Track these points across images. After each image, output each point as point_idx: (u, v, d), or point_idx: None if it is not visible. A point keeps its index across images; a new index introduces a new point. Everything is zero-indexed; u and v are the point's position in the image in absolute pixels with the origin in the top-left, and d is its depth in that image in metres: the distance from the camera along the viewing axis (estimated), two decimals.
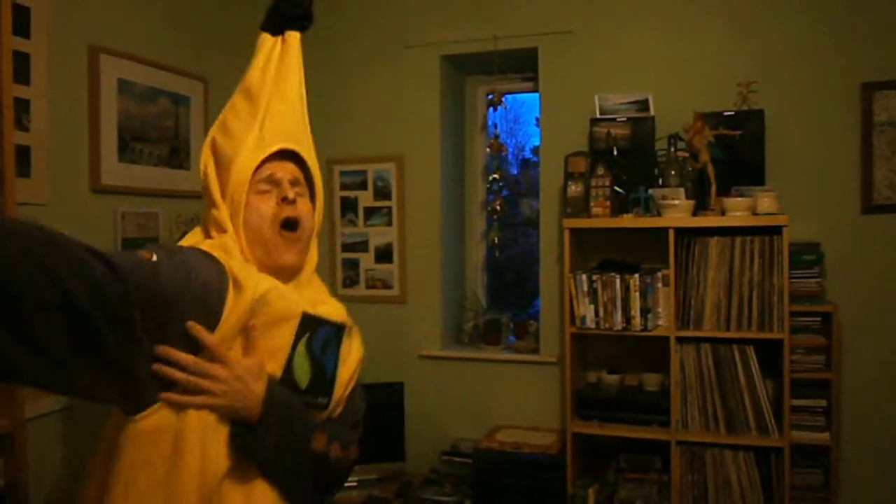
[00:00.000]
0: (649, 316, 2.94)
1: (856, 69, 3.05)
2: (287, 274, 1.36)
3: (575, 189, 3.01)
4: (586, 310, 2.99)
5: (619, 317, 2.95)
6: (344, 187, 3.79)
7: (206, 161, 1.41)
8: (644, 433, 3.00)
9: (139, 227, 2.79)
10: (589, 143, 3.19)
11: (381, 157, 3.72)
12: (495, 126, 3.69)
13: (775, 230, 2.80)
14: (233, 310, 1.20)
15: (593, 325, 3.00)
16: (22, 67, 2.26)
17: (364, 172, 3.75)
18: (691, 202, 2.91)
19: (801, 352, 2.91)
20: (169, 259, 1.18)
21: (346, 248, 3.79)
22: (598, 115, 3.19)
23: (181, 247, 1.32)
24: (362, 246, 3.75)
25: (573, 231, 3.04)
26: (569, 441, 3.07)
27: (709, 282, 2.89)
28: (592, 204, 2.98)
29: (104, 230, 2.63)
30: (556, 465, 3.11)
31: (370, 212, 3.75)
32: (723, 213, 2.85)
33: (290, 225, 1.34)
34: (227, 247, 1.30)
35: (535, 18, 3.46)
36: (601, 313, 2.98)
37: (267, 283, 1.27)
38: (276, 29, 1.46)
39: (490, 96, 3.79)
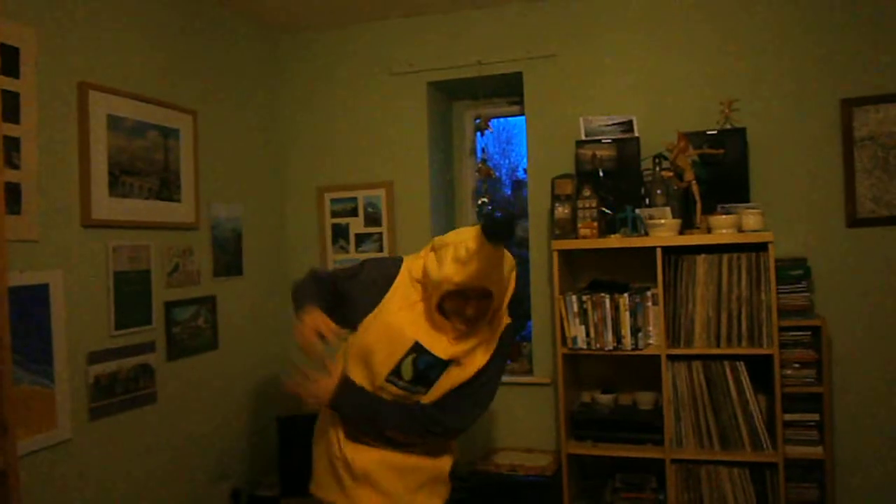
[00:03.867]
0: (640, 335, 2.96)
1: (835, 86, 3.10)
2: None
3: (562, 211, 3.04)
4: (577, 330, 3.01)
5: (609, 336, 2.97)
6: (335, 214, 3.82)
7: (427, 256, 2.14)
8: (638, 452, 3.00)
9: (131, 261, 2.80)
10: (575, 164, 3.22)
11: (370, 183, 3.76)
12: (483, 150, 3.73)
13: (761, 247, 2.83)
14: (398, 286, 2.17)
15: (585, 346, 3.01)
16: (12, 106, 2.28)
17: (354, 199, 3.78)
18: (678, 221, 2.94)
19: (792, 366, 2.93)
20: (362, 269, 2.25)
21: None
22: (583, 137, 3.23)
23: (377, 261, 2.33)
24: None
25: (562, 252, 3.07)
26: (564, 462, 3.07)
27: (697, 299, 2.92)
28: (580, 225, 3.01)
29: (97, 264, 2.64)
30: (553, 487, 3.11)
31: (361, 238, 3.78)
32: (709, 230, 2.88)
33: (463, 323, 2.12)
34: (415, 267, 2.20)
35: (519, 43, 3.52)
36: (592, 333, 3.00)
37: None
38: (488, 237, 1.88)
39: (477, 121, 3.84)
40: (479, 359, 2.13)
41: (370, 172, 3.77)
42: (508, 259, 2.06)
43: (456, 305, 2.05)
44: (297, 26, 3.82)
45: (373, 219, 3.75)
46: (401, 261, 2.23)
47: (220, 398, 3.31)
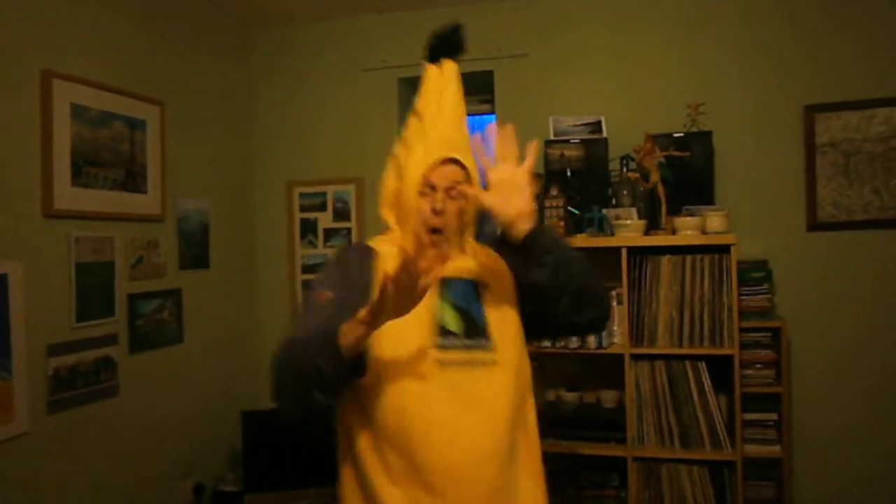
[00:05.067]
0: (604, 334, 2.99)
1: (799, 93, 3.16)
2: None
3: None
4: None
5: (574, 336, 2.99)
6: (303, 209, 3.81)
7: (387, 172, 1.72)
8: (601, 450, 3.03)
9: (94, 252, 2.76)
10: (544, 164, 3.25)
11: (340, 178, 3.75)
12: None
13: (724, 248, 2.88)
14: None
15: (549, 344, 3.03)
16: None
17: (324, 194, 3.77)
18: (643, 222, 2.97)
19: (752, 367, 2.99)
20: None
21: (306, 269, 3.79)
22: (552, 137, 3.25)
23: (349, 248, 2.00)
24: (322, 268, 3.75)
25: None
26: None
27: (661, 299, 2.95)
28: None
29: (58, 255, 2.60)
30: None
31: (330, 233, 3.77)
32: (674, 232, 2.92)
33: (436, 231, 1.60)
34: (383, 241, 1.68)
35: (491, 42, 3.53)
36: None
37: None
38: (434, 59, 1.75)
39: None
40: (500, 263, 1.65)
41: (340, 167, 3.76)
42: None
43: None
44: (271, 20, 3.80)
45: (342, 214, 3.74)
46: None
47: (184, 392, 3.28)
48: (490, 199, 1.50)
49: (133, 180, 2.97)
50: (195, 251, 3.38)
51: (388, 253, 1.60)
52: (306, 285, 3.79)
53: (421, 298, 1.32)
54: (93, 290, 2.76)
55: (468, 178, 1.62)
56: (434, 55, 1.74)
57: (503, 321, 1.59)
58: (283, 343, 1.45)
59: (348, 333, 1.31)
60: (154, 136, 3.09)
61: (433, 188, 1.59)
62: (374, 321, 1.30)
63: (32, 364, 2.48)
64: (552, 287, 1.50)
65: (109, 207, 2.84)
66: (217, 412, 3.51)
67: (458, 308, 1.56)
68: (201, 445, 3.40)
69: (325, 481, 3.39)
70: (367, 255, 1.62)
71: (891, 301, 3.09)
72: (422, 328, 1.50)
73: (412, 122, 1.72)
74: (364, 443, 1.51)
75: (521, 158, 1.52)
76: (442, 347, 1.50)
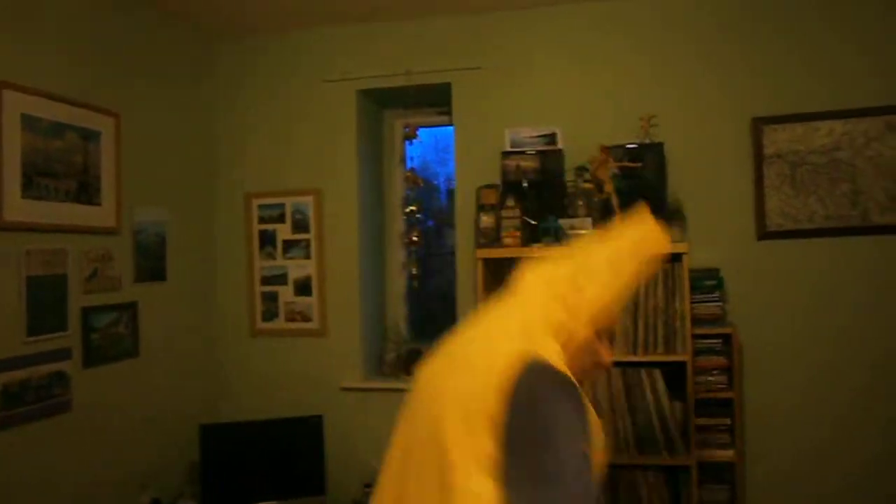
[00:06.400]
0: None
1: (747, 105, 3.26)
2: None
3: (487, 220, 3.10)
4: None
5: None
6: (262, 220, 3.79)
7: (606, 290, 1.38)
8: None
9: (46, 265, 2.72)
10: (501, 175, 3.29)
11: (299, 190, 3.74)
12: (411, 159, 3.76)
13: (677, 257, 2.94)
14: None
15: None
16: None
17: (282, 205, 3.76)
18: (598, 231, 3.02)
19: (706, 373, 3.05)
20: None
21: (265, 281, 3.77)
22: (508, 149, 3.29)
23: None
24: (281, 279, 3.75)
25: (486, 261, 3.12)
26: None
27: None
28: (504, 234, 3.07)
29: (8, 268, 2.56)
30: None
31: (289, 245, 3.76)
32: None
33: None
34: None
35: (448, 54, 3.57)
36: None
37: None
38: None
39: (406, 129, 3.87)
40: None
41: (299, 179, 3.76)
42: None
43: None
44: (231, 32, 3.79)
45: (301, 225, 3.73)
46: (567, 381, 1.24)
47: (140, 406, 3.24)
48: None
49: (86, 192, 2.93)
50: (152, 263, 3.34)
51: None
52: (264, 297, 3.76)
53: None
54: (45, 303, 2.72)
55: None
56: None
57: None
58: None
59: None
60: (109, 148, 3.05)
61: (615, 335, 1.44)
62: None
63: None
64: None
65: (62, 220, 2.80)
66: (175, 426, 3.47)
67: None
68: (159, 459, 3.35)
69: (284, 495, 3.38)
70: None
71: (833, 305, 3.18)
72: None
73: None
74: None
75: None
76: None
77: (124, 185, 3.15)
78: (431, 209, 4.27)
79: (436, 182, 4.30)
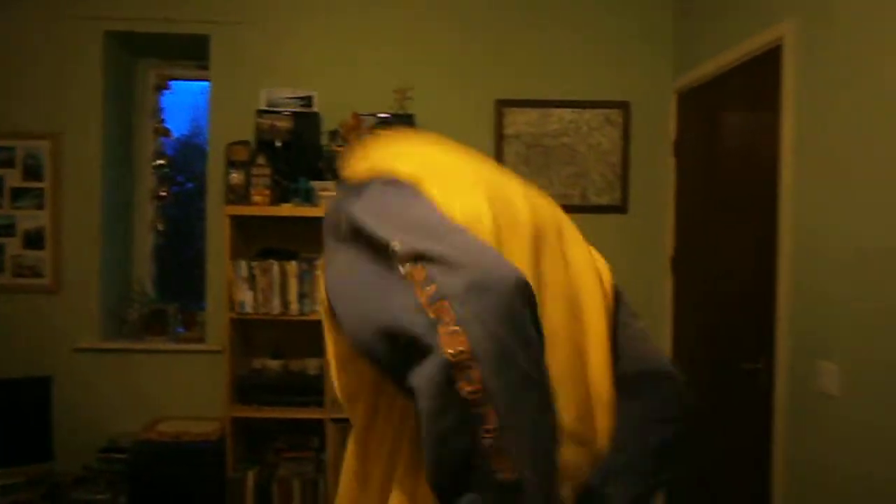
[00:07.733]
0: (306, 301, 3.09)
1: (492, 88, 3.52)
2: None
3: (236, 177, 3.07)
4: (245, 295, 3.06)
5: (276, 302, 3.07)
6: None
7: None
8: (300, 413, 3.14)
9: None
10: (255, 134, 3.26)
11: (33, 133, 3.43)
12: (161, 111, 3.60)
13: None
14: None
15: (252, 310, 3.07)
16: None
17: (12, 149, 3.42)
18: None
19: None
20: None
21: None
22: (263, 108, 3.28)
23: None
24: (8, 230, 3.42)
25: (235, 218, 3.09)
26: (228, 426, 3.11)
27: None
28: (253, 192, 3.06)
29: None
30: (217, 452, 3.14)
31: (18, 193, 3.43)
32: None
33: None
34: None
35: (209, 5, 3.46)
36: (260, 299, 3.07)
37: None
38: None
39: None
40: None
41: (34, 121, 3.44)
42: None
43: None
44: None
45: (33, 172, 3.42)
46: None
47: None
48: None
49: None
50: None
51: None
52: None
53: None
54: None
55: None
56: None
57: None
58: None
59: None
60: None
61: None
62: None
63: None
64: None
65: None
66: None
67: None
68: None
69: (6, 461, 3.12)
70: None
71: None
72: None
73: None
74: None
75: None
76: None
77: None
78: (195, 171, 4.11)
79: (197, 140, 4.15)
